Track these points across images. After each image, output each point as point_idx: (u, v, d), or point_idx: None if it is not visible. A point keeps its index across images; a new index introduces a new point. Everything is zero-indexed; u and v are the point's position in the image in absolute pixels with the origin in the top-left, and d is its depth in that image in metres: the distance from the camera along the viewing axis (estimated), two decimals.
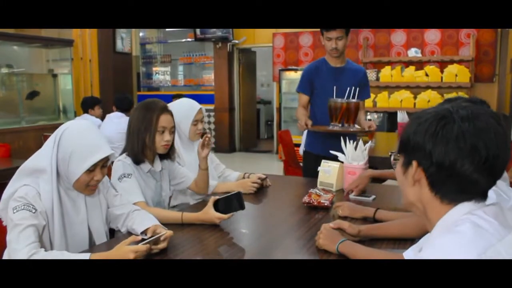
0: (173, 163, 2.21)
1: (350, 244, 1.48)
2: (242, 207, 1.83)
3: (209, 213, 1.83)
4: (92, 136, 1.61)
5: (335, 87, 2.85)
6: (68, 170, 1.57)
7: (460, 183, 0.90)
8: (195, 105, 2.44)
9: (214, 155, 2.67)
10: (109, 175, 1.93)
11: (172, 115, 2.08)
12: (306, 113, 3.06)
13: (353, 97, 2.82)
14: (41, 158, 1.59)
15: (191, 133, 2.42)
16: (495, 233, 0.86)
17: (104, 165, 1.65)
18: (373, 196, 2.25)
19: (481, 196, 0.93)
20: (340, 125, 2.84)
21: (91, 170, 1.59)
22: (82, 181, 1.59)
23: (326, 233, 1.55)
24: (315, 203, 2.05)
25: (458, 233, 0.86)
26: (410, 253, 1.06)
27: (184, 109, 2.40)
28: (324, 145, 2.85)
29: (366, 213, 1.86)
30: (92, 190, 1.67)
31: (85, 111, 5.20)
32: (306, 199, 2.09)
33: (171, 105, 2.30)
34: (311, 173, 2.77)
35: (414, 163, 0.95)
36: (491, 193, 0.95)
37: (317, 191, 2.12)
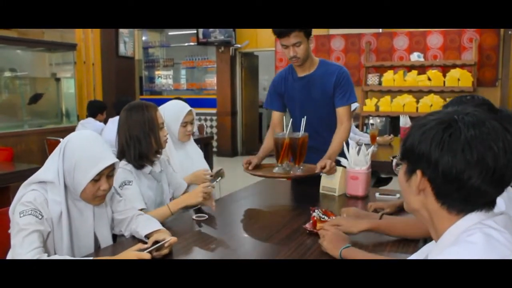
0: (168, 167, 2.24)
1: (353, 250, 1.48)
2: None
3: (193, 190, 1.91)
4: (95, 146, 1.60)
5: (299, 102, 2.43)
6: (74, 181, 1.57)
7: (467, 194, 0.87)
8: (185, 107, 2.47)
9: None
10: None
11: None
12: (268, 145, 2.54)
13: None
14: (47, 170, 1.59)
15: (180, 134, 2.46)
16: (507, 244, 0.83)
17: (110, 174, 1.63)
18: (398, 195, 2.26)
19: (490, 205, 0.91)
20: (282, 166, 2.34)
21: (96, 180, 1.57)
22: (88, 192, 1.58)
23: (331, 236, 1.55)
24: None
25: (470, 244, 0.83)
26: (415, 258, 1.05)
27: (174, 111, 2.43)
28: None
29: (371, 219, 1.85)
30: (100, 200, 1.65)
31: (93, 115, 5.18)
32: (308, 226, 1.81)
33: (163, 107, 2.33)
34: (299, 199, 2.47)
35: (419, 172, 0.91)
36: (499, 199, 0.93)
37: (320, 214, 1.83)
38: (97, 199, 1.62)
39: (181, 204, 1.98)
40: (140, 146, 2.00)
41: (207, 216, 2.00)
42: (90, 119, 5.16)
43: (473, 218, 0.89)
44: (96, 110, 5.22)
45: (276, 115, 2.64)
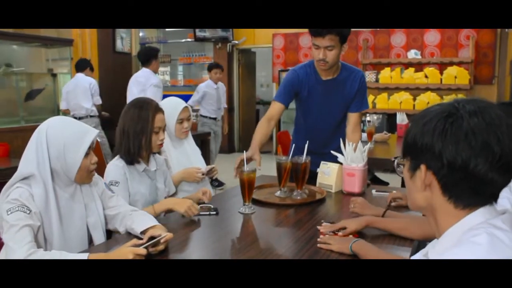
0: (166, 169, 2.24)
1: (363, 244, 1.49)
2: None
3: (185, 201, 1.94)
4: (75, 124, 1.65)
5: (321, 108, 2.43)
6: (67, 163, 1.58)
7: (475, 184, 0.84)
8: (180, 104, 2.47)
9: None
10: (102, 175, 1.94)
11: (163, 113, 2.12)
12: (261, 137, 2.39)
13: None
14: (27, 164, 1.57)
15: (176, 131, 2.45)
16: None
17: (92, 147, 1.67)
18: (394, 192, 2.27)
19: (495, 197, 0.88)
20: (284, 190, 2.25)
21: (87, 153, 1.61)
22: (84, 168, 1.61)
23: (337, 237, 1.59)
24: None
25: (474, 244, 0.80)
26: (418, 257, 1.03)
27: (169, 108, 2.42)
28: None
29: (375, 212, 1.86)
30: (92, 175, 1.70)
31: (82, 69, 5.69)
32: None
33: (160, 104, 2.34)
34: None
35: (423, 166, 0.88)
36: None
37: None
38: (91, 174, 1.67)
39: (168, 207, 1.98)
40: (128, 143, 2.01)
41: (215, 213, 2.01)
42: (80, 74, 5.67)
43: (479, 217, 0.86)
44: (84, 65, 5.74)
45: (278, 106, 2.50)
